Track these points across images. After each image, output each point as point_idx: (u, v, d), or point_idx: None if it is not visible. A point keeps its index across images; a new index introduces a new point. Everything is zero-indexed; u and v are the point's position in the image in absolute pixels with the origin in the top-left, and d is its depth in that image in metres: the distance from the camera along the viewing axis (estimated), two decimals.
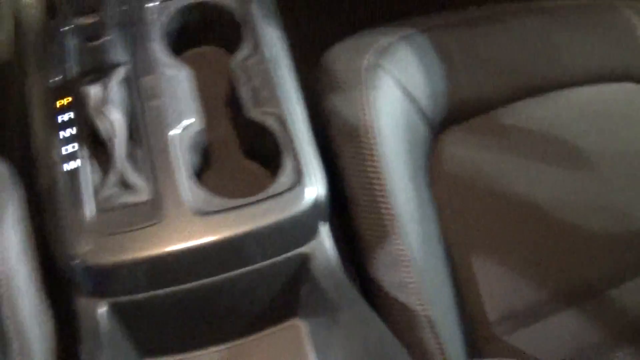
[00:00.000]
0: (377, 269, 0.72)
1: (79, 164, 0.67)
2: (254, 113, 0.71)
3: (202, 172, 0.73)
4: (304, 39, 0.88)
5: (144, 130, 0.68)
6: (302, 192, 0.67)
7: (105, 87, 0.70)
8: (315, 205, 0.68)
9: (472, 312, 0.78)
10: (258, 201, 0.66)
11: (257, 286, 0.70)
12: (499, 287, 0.79)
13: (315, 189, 0.68)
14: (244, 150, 0.75)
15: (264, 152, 0.72)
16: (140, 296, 0.66)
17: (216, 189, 0.69)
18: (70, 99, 0.69)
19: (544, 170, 0.84)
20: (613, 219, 0.86)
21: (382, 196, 0.72)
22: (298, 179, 0.67)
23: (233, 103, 0.73)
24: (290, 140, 0.69)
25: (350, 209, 0.74)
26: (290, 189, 0.67)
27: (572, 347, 0.82)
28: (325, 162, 0.73)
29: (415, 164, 0.78)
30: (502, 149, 0.83)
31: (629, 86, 0.93)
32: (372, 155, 0.72)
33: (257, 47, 0.75)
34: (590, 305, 0.83)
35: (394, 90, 0.77)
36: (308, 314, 0.72)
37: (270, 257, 0.68)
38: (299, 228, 0.68)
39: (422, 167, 0.80)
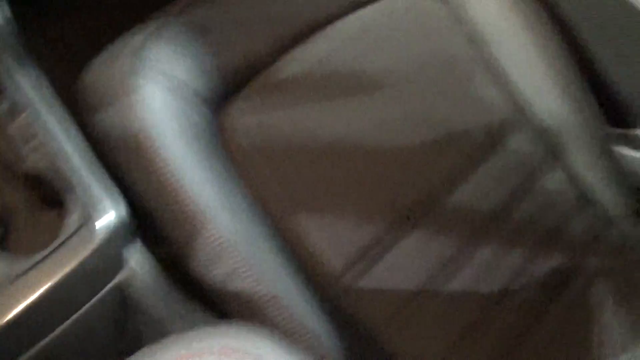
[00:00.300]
0: (203, 268, 0.73)
1: None
2: (27, 162, 0.71)
3: (3, 239, 0.73)
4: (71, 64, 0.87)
5: None
6: (94, 225, 0.68)
7: None
8: (114, 232, 0.69)
9: (315, 272, 0.80)
10: (56, 249, 0.67)
11: (90, 334, 0.70)
12: (334, 237, 0.81)
13: (108, 216, 0.69)
14: (39, 203, 0.75)
15: (54, 197, 0.72)
16: None
17: (21, 251, 0.70)
18: None
19: (341, 106, 0.86)
20: (426, 129, 0.89)
21: (180, 196, 0.72)
22: (87, 213, 0.68)
23: (7, 160, 0.73)
24: (69, 177, 0.70)
25: (156, 220, 0.75)
26: (82, 225, 0.68)
27: (431, 264, 0.86)
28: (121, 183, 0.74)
29: (207, 149, 0.78)
30: (291, 101, 0.84)
31: None
32: (156, 159, 0.73)
33: (11, 96, 0.75)
34: (433, 218, 0.87)
35: (161, 85, 0.77)
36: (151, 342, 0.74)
37: (89, 299, 0.69)
38: (105, 260, 0.69)
39: (216, 149, 0.80)
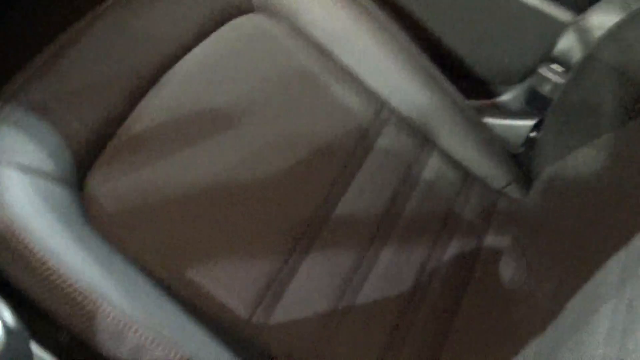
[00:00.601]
0: (108, 349, 0.73)
1: None
2: None
3: None
4: None
5: None
6: None
7: None
8: (10, 342, 0.68)
9: (223, 320, 0.81)
10: None
11: None
12: (229, 280, 0.82)
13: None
14: None
15: None
16: None
17: None
18: None
19: (204, 147, 0.87)
20: (295, 149, 0.92)
21: (64, 285, 0.72)
22: None
23: None
24: None
25: (49, 312, 0.75)
26: None
27: (338, 279, 0.88)
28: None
29: (79, 229, 0.78)
30: (150, 155, 0.85)
31: (241, 21, 0.99)
32: (30, 254, 0.72)
33: None
34: (327, 235, 0.89)
35: (15, 176, 0.77)
36: None
37: None
38: None
39: (87, 225, 0.80)
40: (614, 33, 0.86)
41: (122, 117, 0.86)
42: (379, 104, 1.01)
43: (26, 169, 0.76)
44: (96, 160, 0.83)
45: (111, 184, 0.82)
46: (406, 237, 0.95)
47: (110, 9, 0.90)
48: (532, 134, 1.09)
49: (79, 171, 0.81)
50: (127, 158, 0.84)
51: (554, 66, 1.08)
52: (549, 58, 1.09)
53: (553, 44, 1.07)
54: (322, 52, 1.01)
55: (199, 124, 0.89)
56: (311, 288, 0.86)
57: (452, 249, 0.97)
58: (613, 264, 0.69)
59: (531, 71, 1.12)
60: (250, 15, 0.99)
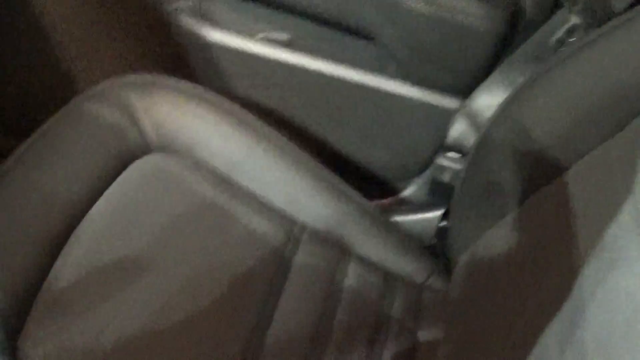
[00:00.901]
0: None
1: None
2: None
3: None
4: None
5: None
6: None
7: None
8: None
9: None
10: None
11: None
12: None
13: None
14: None
15: None
16: None
17: None
18: None
19: (129, 296, 0.88)
20: (217, 284, 0.94)
21: None
22: None
23: None
24: None
25: None
26: None
27: None
28: None
29: None
30: (77, 310, 0.86)
31: (140, 163, 1.02)
32: None
33: None
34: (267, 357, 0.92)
35: None
36: None
37: None
38: None
39: None
40: (502, 112, 0.91)
41: (40, 280, 0.87)
42: (289, 223, 1.04)
43: None
44: (24, 326, 0.83)
45: (42, 347, 0.82)
46: (342, 349, 0.97)
47: (11, 170, 0.92)
48: (442, 224, 1.14)
49: (9, 338, 0.82)
50: (53, 319, 0.84)
51: (450, 154, 1.14)
52: (443, 147, 1.15)
53: (445, 132, 1.13)
54: (225, 182, 1.04)
55: (116, 275, 0.90)
56: None
57: (389, 351, 1.00)
58: (549, 334, 0.73)
59: (429, 162, 1.18)
60: (149, 157, 1.02)
